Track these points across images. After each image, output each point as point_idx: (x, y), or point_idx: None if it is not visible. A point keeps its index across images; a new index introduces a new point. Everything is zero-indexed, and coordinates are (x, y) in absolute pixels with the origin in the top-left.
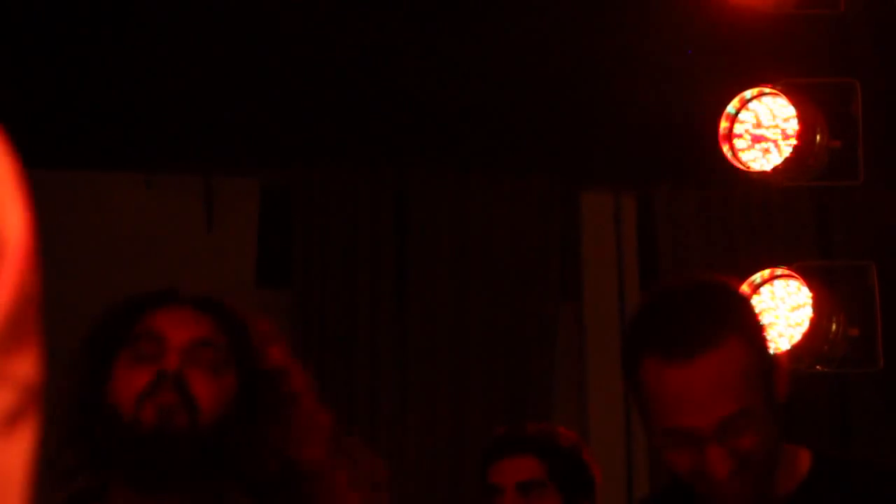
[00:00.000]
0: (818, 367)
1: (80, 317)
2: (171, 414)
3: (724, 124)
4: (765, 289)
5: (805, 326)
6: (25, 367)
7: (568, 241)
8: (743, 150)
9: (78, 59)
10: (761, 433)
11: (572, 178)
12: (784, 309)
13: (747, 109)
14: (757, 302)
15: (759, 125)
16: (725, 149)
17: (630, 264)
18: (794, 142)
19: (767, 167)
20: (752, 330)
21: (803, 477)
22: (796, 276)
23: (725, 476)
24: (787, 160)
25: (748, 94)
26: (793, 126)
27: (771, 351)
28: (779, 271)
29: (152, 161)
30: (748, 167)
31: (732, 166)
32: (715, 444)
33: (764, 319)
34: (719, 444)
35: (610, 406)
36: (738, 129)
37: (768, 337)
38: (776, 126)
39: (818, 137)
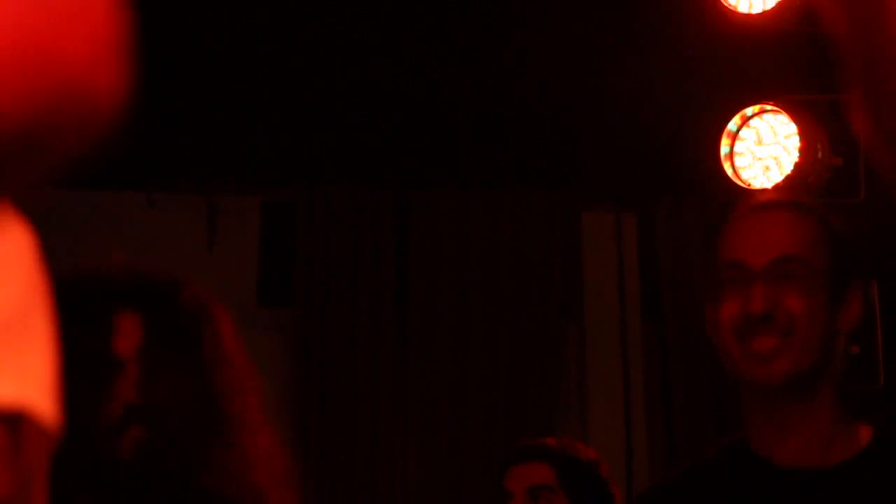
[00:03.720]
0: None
1: None
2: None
3: (725, 142)
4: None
5: (795, 157)
6: None
7: (569, 260)
8: (744, 167)
9: None
10: (810, 300)
11: (573, 197)
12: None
13: (748, 127)
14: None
15: (760, 142)
16: (727, 166)
17: (631, 283)
18: (795, 159)
19: (768, 185)
20: (838, 235)
21: (862, 447)
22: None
23: (760, 307)
24: (788, 177)
25: (749, 111)
26: (794, 143)
27: (857, 272)
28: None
29: (154, 180)
30: (749, 185)
31: (733, 184)
32: (761, 281)
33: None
34: (765, 282)
35: (611, 425)
36: (739, 146)
37: (857, 258)
38: (777, 143)
39: (819, 154)
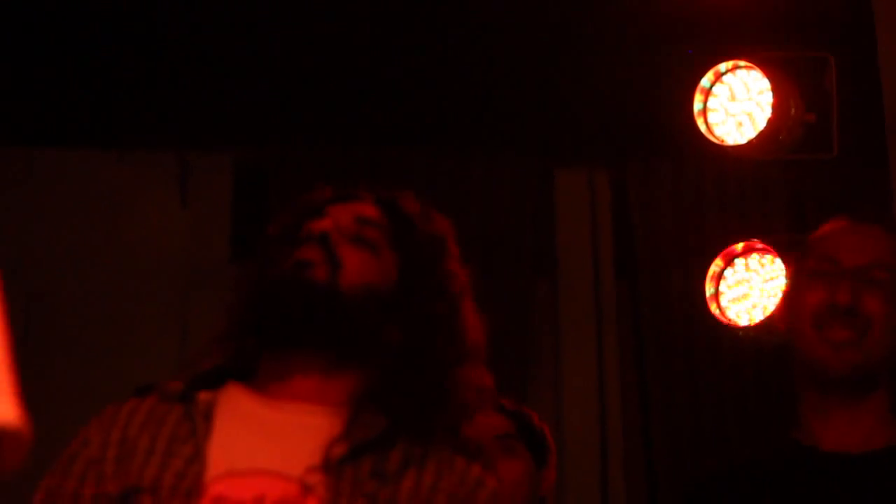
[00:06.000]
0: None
1: (56, 293)
2: (310, 267)
3: (698, 98)
4: (739, 261)
5: (768, 113)
6: None
7: (542, 218)
8: (717, 124)
9: (49, 35)
10: (889, 306)
11: (546, 156)
12: (758, 281)
13: (721, 83)
14: (731, 273)
15: (733, 98)
16: (700, 122)
17: (605, 240)
18: (768, 115)
19: (742, 141)
20: None
21: None
22: (771, 250)
23: (848, 300)
24: (761, 134)
25: (722, 67)
26: (767, 99)
27: None
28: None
29: (125, 137)
30: (722, 141)
31: (707, 140)
32: (851, 277)
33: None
34: (854, 280)
35: (585, 383)
36: (712, 102)
37: None
38: (750, 99)
39: (792, 111)
